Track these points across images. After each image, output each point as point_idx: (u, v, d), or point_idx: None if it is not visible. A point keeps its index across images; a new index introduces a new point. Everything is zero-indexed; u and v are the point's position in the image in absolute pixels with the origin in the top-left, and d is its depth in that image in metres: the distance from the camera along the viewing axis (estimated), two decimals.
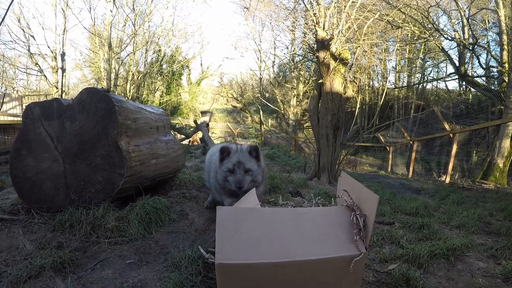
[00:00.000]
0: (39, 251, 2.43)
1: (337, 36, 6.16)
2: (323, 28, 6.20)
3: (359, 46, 7.14)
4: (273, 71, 31.94)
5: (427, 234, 3.21)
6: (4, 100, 16.78)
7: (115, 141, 3.01)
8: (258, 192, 2.71)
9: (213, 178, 2.98)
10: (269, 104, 14.33)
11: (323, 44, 6.06)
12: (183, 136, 14.88)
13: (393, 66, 30.49)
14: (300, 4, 8.38)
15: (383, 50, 19.61)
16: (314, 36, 6.44)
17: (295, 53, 17.52)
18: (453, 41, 15.80)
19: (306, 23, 8.19)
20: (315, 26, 6.27)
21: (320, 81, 6.24)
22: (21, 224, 2.94)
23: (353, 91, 6.97)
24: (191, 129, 16.12)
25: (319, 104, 6.42)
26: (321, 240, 1.72)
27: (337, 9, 6.59)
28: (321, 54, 6.07)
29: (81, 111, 3.07)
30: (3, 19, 3.77)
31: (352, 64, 7.21)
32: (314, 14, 6.31)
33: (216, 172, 2.87)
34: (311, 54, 7.44)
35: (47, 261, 2.21)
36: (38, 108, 3.15)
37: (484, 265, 2.65)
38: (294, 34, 18.79)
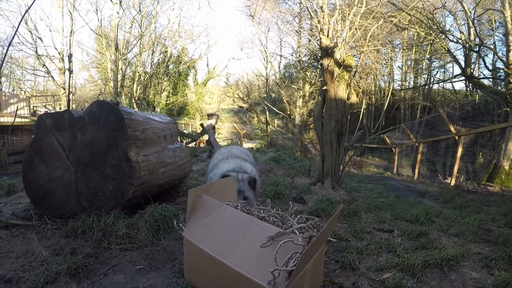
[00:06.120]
0: (54, 257, 2.55)
1: (341, 43, 6.23)
2: (327, 36, 6.28)
3: (362, 52, 7.22)
4: (279, 71, 31.98)
5: (424, 243, 3.27)
6: (12, 101, 17.04)
7: (125, 152, 3.14)
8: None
9: None
10: (273, 108, 14.48)
11: (327, 52, 6.13)
12: (189, 139, 15.00)
13: (399, 66, 30.41)
14: (304, 10, 8.45)
15: (389, 51, 19.60)
16: (318, 43, 6.52)
17: (301, 59, 17.59)
18: (458, 43, 15.75)
19: (311, 30, 8.27)
20: (319, 33, 6.35)
21: (324, 88, 6.32)
22: (35, 230, 3.07)
23: (357, 96, 7.04)
24: (196, 134, 16.23)
25: (324, 111, 6.50)
26: (254, 256, 1.89)
27: (341, 16, 6.65)
28: (325, 62, 6.15)
29: (92, 123, 3.21)
30: (16, 30, 3.92)
31: (356, 71, 7.27)
32: (319, 21, 6.39)
33: None
34: (315, 62, 7.52)
35: (63, 267, 2.33)
36: (50, 119, 3.28)
37: (477, 275, 2.71)
38: (300, 34, 18.86)
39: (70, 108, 20.11)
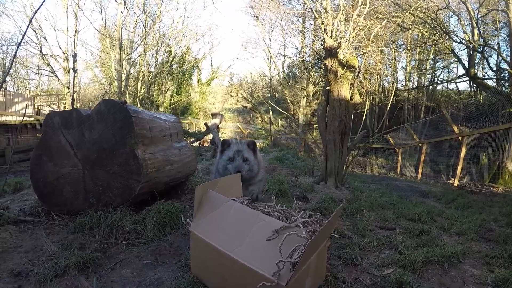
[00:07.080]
0: (63, 251, 2.61)
1: (345, 44, 6.27)
2: (331, 36, 6.32)
3: (366, 53, 7.25)
4: (283, 71, 32.01)
5: (425, 240, 3.31)
6: (16, 100, 17.18)
7: (133, 149, 3.20)
8: (256, 187, 3.18)
9: (215, 171, 3.27)
10: (277, 107, 14.55)
11: (331, 52, 6.18)
12: (193, 138, 15.04)
13: (402, 67, 30.35)
14: (308, 11, 8.49)
15: (393, 51, 19.58)
16: (322, 44, 6.56)
17: (304, 59, 17.63)
18: (462, 44, 15.70)
19: (315, 30, 8.32)
20: (323, 33, 6.39)
21: (328, 88, 6.36)
22: (43, 225, 3.13)
23: (360, 96, 7.08)
24: (201, 133, 16.26)
25: (327, 110, 6.54)
26: (259, 249, 1.94)
27: (345, 16, 6.69)
28: (329, 62, 6.19)
29: (100, 121, 3.26)
30: (24, 33, 4.00)
31: (359, 71, 7.30)
32: (322, 22, 6.43)
33: (217, 164, 3.17)
34: (319, 63, 7.57)
35: (71, 261, 2.39)
36: (58, 117, 3.34)
37: (477, 272, 2.75)
38: (303, 34, 18.89)
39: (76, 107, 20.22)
